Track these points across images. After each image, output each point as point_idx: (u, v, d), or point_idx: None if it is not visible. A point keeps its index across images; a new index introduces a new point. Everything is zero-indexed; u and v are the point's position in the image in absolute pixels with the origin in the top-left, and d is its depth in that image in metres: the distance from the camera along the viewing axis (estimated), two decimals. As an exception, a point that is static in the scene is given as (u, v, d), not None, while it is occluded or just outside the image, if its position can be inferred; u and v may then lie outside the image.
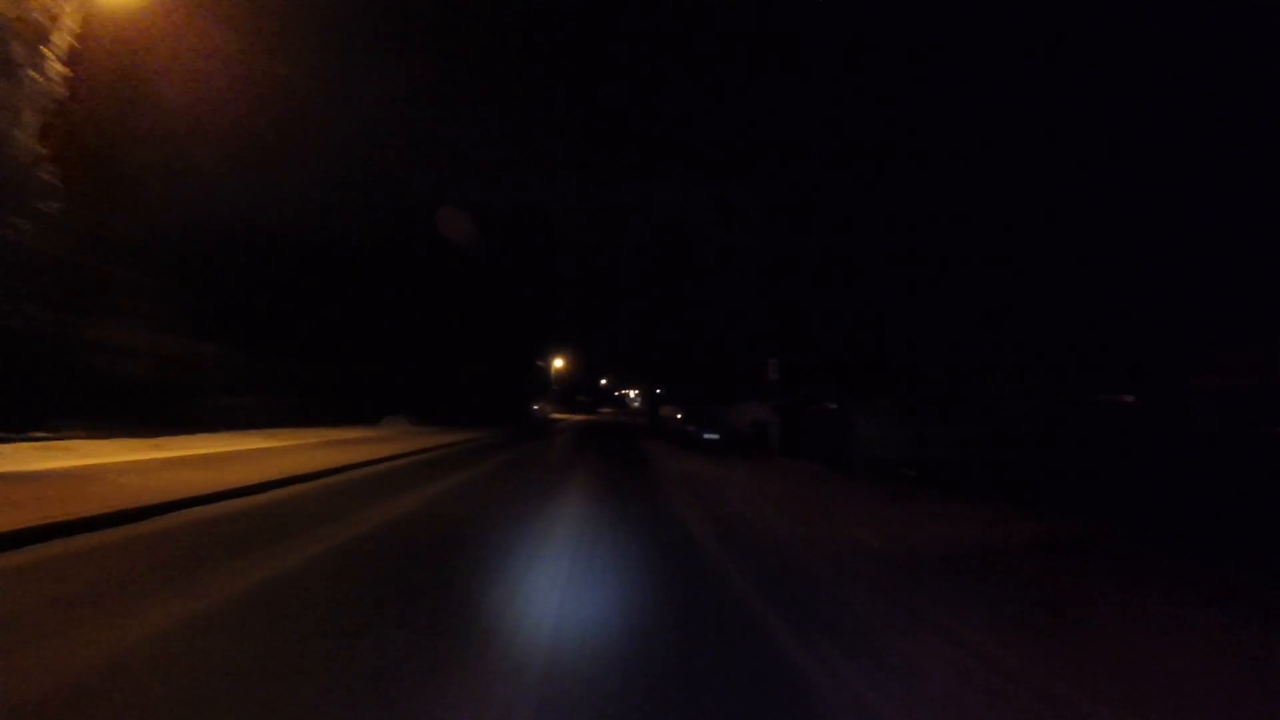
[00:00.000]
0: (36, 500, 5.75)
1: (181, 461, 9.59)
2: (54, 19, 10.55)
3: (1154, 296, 13.87)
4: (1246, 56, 12.07)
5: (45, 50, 10.55)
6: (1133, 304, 14.22)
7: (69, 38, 10.98)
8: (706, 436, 20.66)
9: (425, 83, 32.47)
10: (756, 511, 8.00)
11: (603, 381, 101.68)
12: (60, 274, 12.60)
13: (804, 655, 3.17)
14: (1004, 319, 16.32)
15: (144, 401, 13.86)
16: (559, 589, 4.17)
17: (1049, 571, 5.35)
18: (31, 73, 10.47)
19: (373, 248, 27.71)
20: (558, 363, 71.31)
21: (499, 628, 3.40)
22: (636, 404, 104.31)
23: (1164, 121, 14.99)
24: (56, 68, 11.67)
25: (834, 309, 18.51)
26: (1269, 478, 7.84)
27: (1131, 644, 3.61)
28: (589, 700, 2.55)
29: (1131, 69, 14.32)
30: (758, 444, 21.23)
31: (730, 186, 37.36)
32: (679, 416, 28.78)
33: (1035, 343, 15.80)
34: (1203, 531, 7.49)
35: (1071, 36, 16.23)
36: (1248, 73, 11.54)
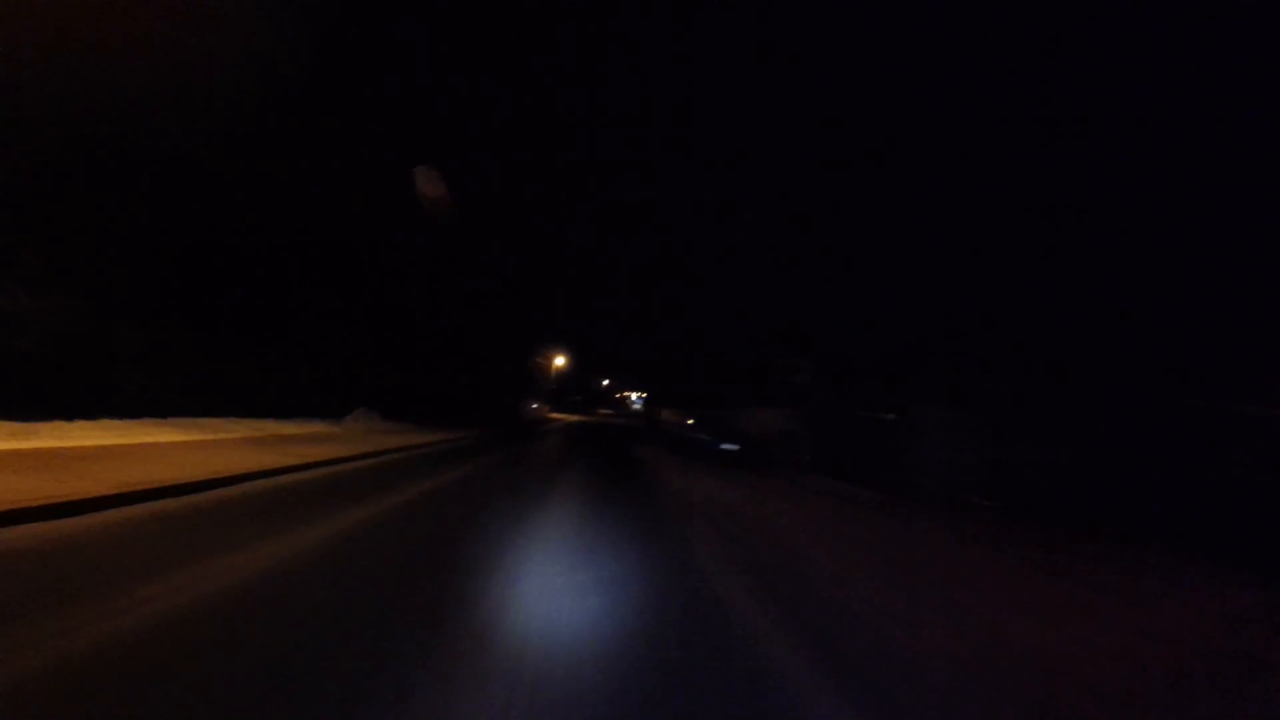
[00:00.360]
0: None
1: (28, 457, 6.78)
2: None
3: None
4: None
5: None
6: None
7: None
8: (724, 447, 17.84)
9: (419, 67, 29.90)
10: (845, 583, 5.16)
11: (604, 383, 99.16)
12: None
13: None
14: (1074, 314, 13.50)
15: (27, 379, 11.03)
16: None
17: None
18: None
19: (352, 230, 25.08)
20: (559, 361, 68.82)
21: None
22: (636, 406, 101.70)
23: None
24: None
25: (878, 302, 15.67)
26: None
27: None
28: None
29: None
30: (782, 458, 18.40)
31: (749, 168, 34.59)
32: (689, 423, 25.99)
33: (1129, 344, 12.98)
34: None
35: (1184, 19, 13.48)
36: None
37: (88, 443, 8.43)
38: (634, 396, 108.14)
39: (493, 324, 42.91)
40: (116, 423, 10.99)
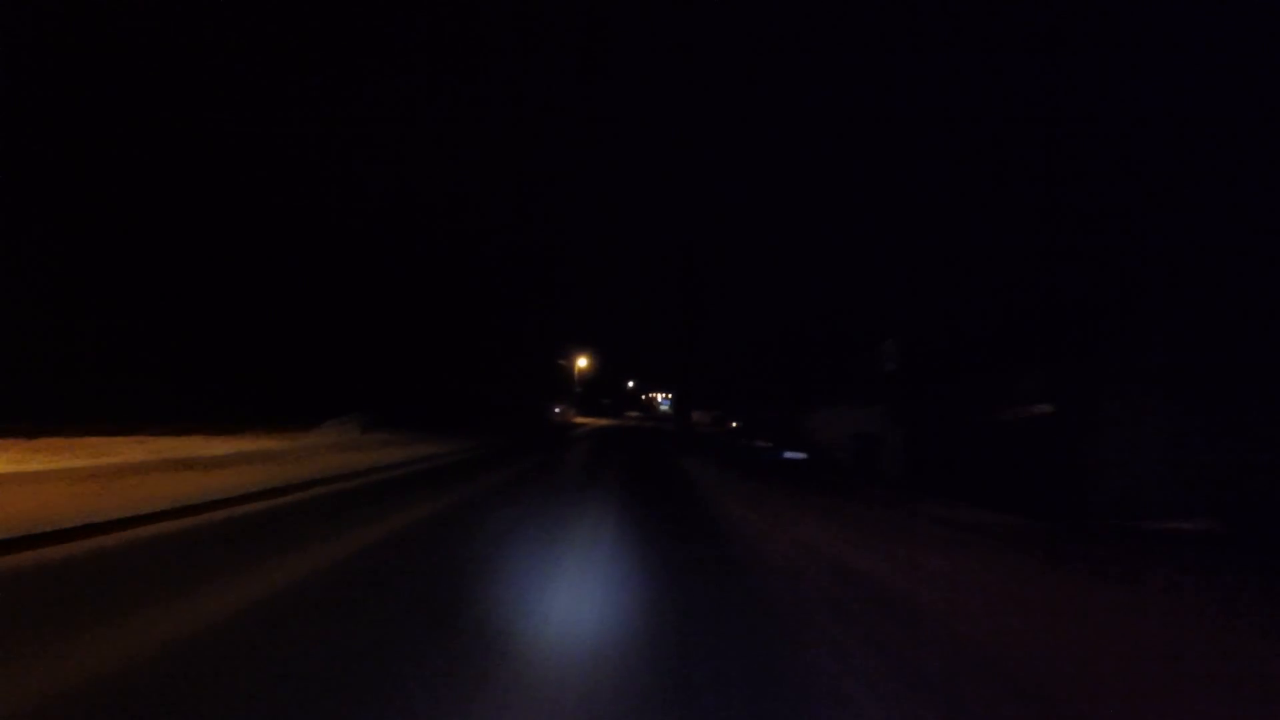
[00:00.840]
0: None
1: None
2: None
3: None
4: None
5: None
6: None
7: None
8: (788, 456, 13.93)
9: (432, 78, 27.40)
10: None
11: (629, 384, 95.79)
12: None
13: None
14: None
15: None
16: None
17: None
18: None
19: (348, 222, 21.97)
20: (581, 362, 65.58)
21: None
22: (664, 408, 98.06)
23: None
24: None
25: (996, 256, 11.54)
26: None
27: None
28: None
29: None
30: (863, 469, 14.38)
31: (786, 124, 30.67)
32: (734, 426, 22.18)
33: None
34: None
35: None
36: None
37: None
38: (660, 398, 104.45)
39: (512, 323, 39.67)
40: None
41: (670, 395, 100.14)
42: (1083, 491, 8.78)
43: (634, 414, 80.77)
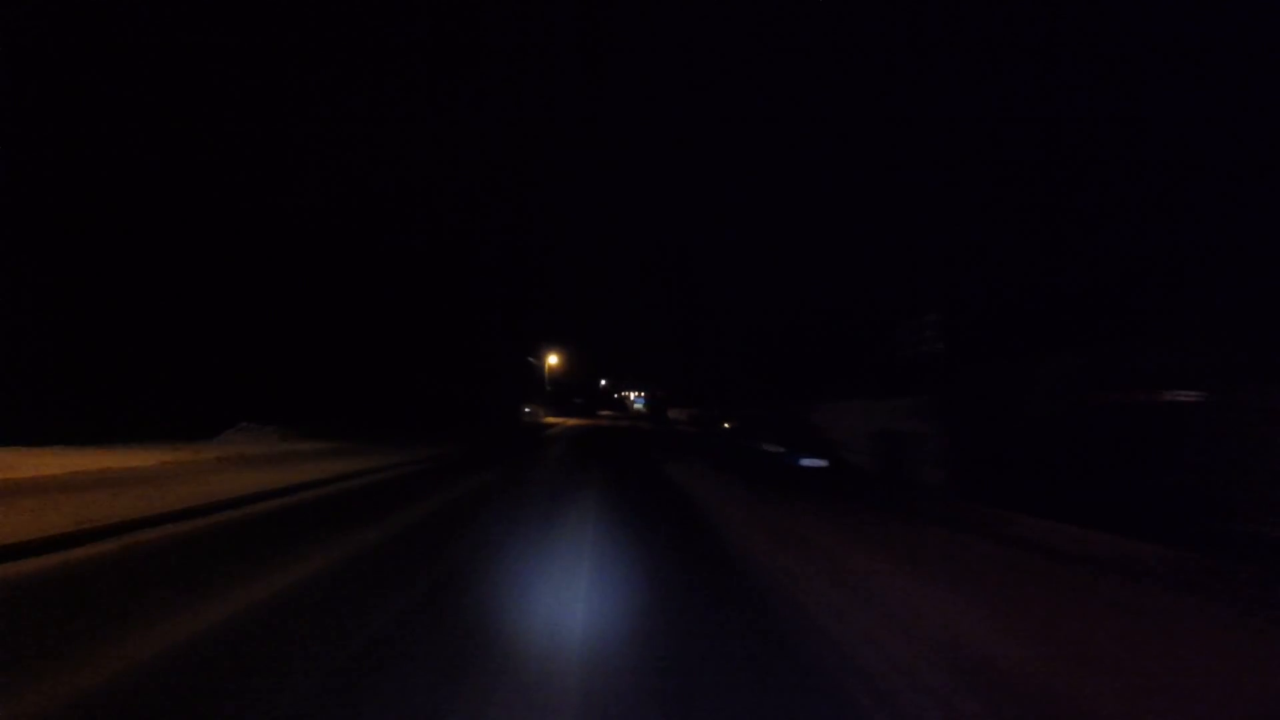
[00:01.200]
0: None
1: None
2: None
3: None
4: None
5: None
6: None
7: None
8: (805, 464, 11.52)
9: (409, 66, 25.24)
10: None
11: (602, 383, 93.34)
12: None
13: None
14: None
15: None
16: None
17: None
18: None
19: (305, 220, 19.11)
20: (551, 359, 62.82)
21: None
22: (638, 406, 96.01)
23: None
24: None
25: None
26: None
27: None
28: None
29: None
30: (892, 477, 12.05)
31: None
32: (726, 426, 19.83)
33: None
34: None
35: None
36: None
37: None
38: (634, 396, 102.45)
39: (482, 319, 36.87)
40: None
41: (643, 394, 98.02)
42: (1238, 505, 6.51)
43: (606, 412, 78.53)
